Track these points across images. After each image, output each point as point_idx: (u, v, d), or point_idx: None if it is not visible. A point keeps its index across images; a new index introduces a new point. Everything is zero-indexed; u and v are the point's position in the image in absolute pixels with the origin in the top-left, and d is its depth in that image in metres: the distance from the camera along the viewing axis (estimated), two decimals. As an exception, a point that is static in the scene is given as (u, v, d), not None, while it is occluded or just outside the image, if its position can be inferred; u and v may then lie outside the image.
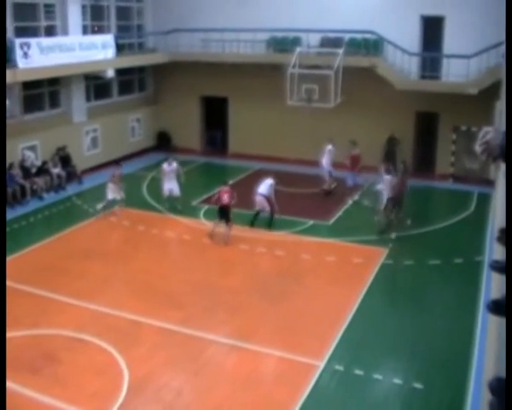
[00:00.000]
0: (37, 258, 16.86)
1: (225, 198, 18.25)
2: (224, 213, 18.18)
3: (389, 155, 25.20)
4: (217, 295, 14.64)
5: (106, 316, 13.54)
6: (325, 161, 22.75)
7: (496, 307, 2.75)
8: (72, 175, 23.86)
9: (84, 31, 25.70)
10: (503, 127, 9.07)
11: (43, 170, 22.58)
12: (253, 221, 19.31)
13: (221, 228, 18.25)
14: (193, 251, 17.64)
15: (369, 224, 19.11)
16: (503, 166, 6.64)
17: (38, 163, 22.73)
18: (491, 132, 2.78)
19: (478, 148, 2.83)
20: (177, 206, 20.98)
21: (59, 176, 22.95)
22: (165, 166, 21.10)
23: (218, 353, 12.23)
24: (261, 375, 11.62)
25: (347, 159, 22.82)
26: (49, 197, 22.05)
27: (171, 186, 20.92)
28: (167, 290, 14.89)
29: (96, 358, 11.84)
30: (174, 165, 21.08)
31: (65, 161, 23.76)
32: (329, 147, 22.81)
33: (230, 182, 23.38)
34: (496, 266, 3.41)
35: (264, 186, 19.54)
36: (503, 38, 10.81)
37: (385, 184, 18.76)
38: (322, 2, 25.37)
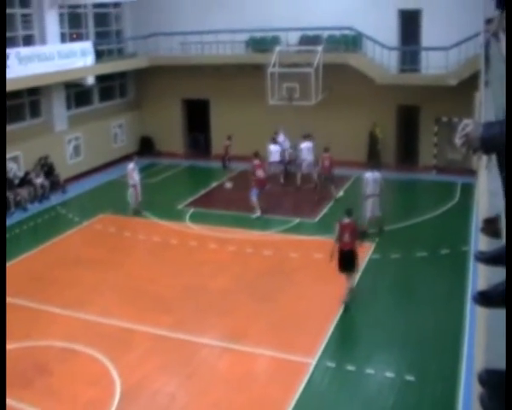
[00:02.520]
0: (25, 269, 16.77)
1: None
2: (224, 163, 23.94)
3: (371, 154, 25.28)
4: (207, 298, 14.64)
5: (96, 324, 13.50)
6: (310, 156, 22.69)
7: (482, 299, 2.77)
8: (55, 184, 23.72)
9: (63, 39, 25.57)
10: (483, 118, 9.14)
11: (26, 181, 22.45)
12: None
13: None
14: (181, 255, 17.61)
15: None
16: (484, 158, 6.69)
17: (21, 174, 22.59)
18: (471, 125, 2.79)
19: (458, 140, 2.85)
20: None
21: (42, 186, 22.82)
22: (133, 165, 21.06)
23: (210, 355, 12.24)
24: (254, 375, 11.65)
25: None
26: (33, 208, 21.92)
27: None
28: (157, 295, 14.86)
29: (88, 367, 11.81)
30: None
31: (48, 170, 23.64)
32: (309, 143, 22.70)
33: (214, 184, 23.52)
34: (481, 258, 3.43)
35: (276, 154, 23.10)
36: (481, 28, 10.91)
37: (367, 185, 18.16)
38: (300, 1, 25.43)
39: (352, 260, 13.86)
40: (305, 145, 22.64)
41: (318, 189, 21.90)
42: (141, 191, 21.04)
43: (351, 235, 13.76)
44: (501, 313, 2.84)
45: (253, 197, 20.53)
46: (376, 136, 25.46)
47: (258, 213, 20.39)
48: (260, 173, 20.69)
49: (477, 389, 2.45)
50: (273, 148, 23.30)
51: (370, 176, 18.15)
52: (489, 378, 2.28)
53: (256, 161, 20.87)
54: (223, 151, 24.42)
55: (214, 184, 24.26)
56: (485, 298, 2.77)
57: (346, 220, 13.98)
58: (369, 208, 18.10)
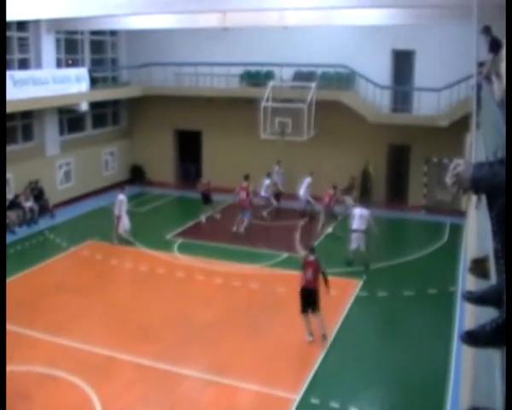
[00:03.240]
0: (10, 293, 16.50)
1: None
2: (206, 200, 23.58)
3: (363, 191, 25.41)
4: (192, 329, 14.54)
5: (79, 351, 13.35)
6: (303, 192, 23.46)
7: (469, 338, 2.77)
8: (44, 209, 23.64)
9: (58, 64, 25.72)
10: (474, 159, 9.22)
11: (15, 203, 22.35)
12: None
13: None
14: (167, 285, 17.52)
15: (342, 256, 19.13)
16: (474, 198, 6.74)
17: (10, 197, 22.50)
18: (462, 165, 2.83)
19: (449, 180, 2.88)
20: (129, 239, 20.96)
21: (31, 210, 22.73)
22: (123, 197, 20.95)
23: (193, 388, 12.11)
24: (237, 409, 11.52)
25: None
26: (22, 231, 21.80)
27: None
28: (142, 325, 14.74)
29: (69, 395, 11.65)
30: None
31: (37, 194, 23.56)
32: (308, 179, 23.22)
33: (204, 220, 23.42)
34: (469, 297, 3.44)
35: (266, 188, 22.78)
36: (473, 71, 11.05)
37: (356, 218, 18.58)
38: (295, 37, 25.69)
39: (314, 300, 13.72)
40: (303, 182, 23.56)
41: (319, 224, 22.01)
42: (128, 221, 20.91)
43: (313, 273, 13.67)
44: (487, 353, 2.84)
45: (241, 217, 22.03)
46: (369, 173, 25.61)
47: (234, 229, 21.72)
48: (243, 195, 21.88)
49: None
50: (266, 182, 23.72)
51: (357, 212, 18.57)
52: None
53: (243, 184, 22.06)
54: (203, 188, 23.91)
55: (204, 216, 24.23)
56: (472, 338, 2.77)
57: (310, 258, 13.88)
58: (354, 242, 18.48)
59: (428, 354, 13.46)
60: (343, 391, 11.98)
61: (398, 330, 15.22)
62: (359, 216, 18.43)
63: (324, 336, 13.81)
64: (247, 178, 22.30)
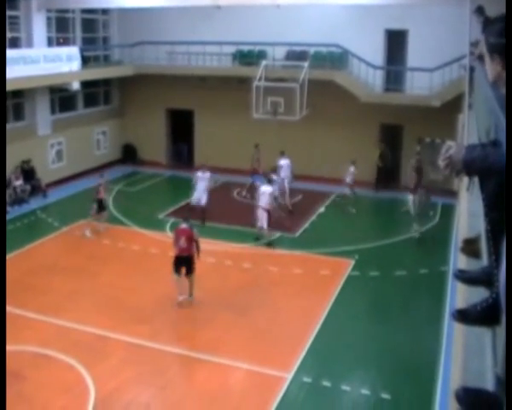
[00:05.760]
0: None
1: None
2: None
3: (381, 173, 25.15)
4: (184, 309, 14.57)
5: (72, 331, 13.38)
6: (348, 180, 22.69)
7: (460, 316, 2.80)
8: (36, 188, 23.56)
9: (49, 43, 25.50)
10: (466, 140, 9.23)
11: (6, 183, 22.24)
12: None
13: None
14: (160, 265, 17.49)
15: (334, 236, 19.21)
16: (466, 179, 6.75)
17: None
18: (454, 147, 2.84)
19: (441, 162, 2.89)
20: None
21: (23, 190, 22.63)
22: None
23: (185, 367, 12.19)
24: (229, 388, 11.58)
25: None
26: (13, 211, 21.73)
27: None
28: (134, 305, 14.77)
29: (62, 374, 11.68)
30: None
31: (29, 174, 23.46)
32: (351, 169, 22.62)
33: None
34: (460, 276, 3.45)
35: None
36: (466, 51, 11.05)
37: None
38: (288, 16, 25.53)
39: (189, 265, 14.58)
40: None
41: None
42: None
43: (187, 240, 14.48)
44: (478, 333, 2.87)
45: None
46: (386, 156, 25.19)
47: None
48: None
49: (453, 407, 2.45)
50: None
51: (261, 189, 19.15)
52: (466, 396, 2.29)
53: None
54: (97, 195, 20.33)
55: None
56: (463, 316, 2.80)
57: (182, 226, 14.77)
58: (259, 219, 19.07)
59: (419, 334, 13.55)
60: (335, 370, 12.08)
61: (389, 309, 15.30)
62: (262, 193, 18.96)
63: (190, 295, 14.70)
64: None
